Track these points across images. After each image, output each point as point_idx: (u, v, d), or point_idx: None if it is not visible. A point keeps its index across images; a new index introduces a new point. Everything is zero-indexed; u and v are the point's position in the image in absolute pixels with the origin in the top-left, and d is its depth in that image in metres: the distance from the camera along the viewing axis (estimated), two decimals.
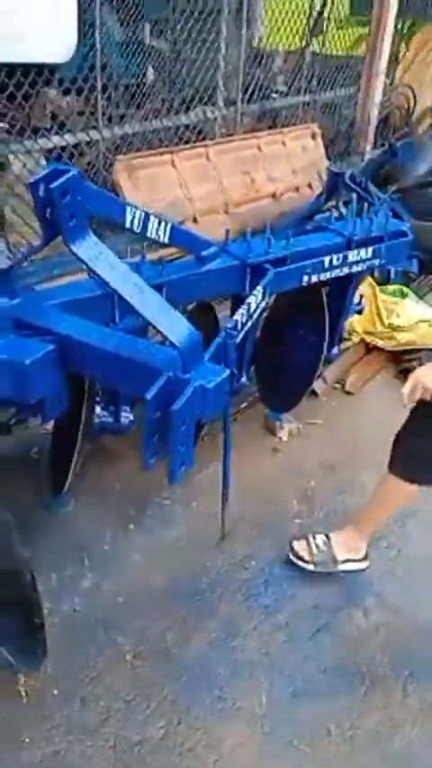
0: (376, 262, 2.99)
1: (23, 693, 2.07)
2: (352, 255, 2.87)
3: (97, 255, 1.91)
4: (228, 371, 2.01)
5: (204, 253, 2.63)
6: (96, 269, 1.90)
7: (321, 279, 2.83)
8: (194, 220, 3.95)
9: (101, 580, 2.43)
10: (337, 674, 2.19)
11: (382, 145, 5.84)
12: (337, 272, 2.87)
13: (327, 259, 2.81)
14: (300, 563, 2.49)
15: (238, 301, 2.89)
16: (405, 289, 3.96)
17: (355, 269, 2.93)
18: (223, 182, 4.15)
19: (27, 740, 1.96)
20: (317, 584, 2.48)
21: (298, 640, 2.28)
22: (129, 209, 2.17)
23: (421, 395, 1.98)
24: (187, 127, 4.51)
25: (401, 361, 3.77)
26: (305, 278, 2.79)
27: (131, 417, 2.84)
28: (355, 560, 2.51)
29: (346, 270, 2.90)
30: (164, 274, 2.50)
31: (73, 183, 1.81)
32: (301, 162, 4.71)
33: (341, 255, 2.85)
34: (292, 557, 2.51)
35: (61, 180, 1.77)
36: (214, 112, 4.37)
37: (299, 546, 2.52)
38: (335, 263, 2.84)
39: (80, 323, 2.25)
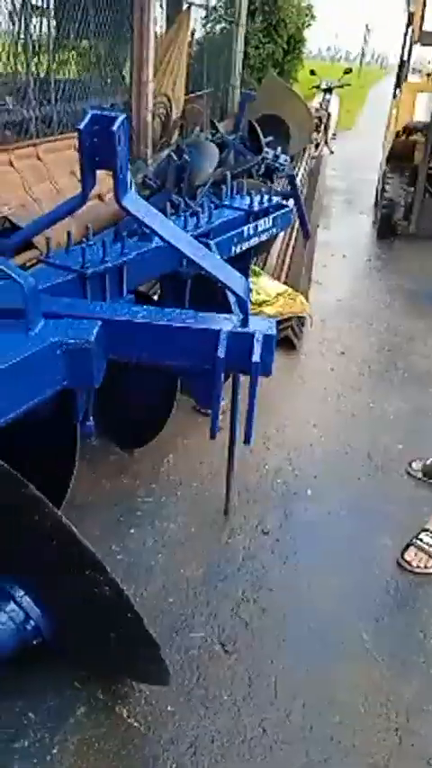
0: (275, 229, 3.20)
1: (137, 724, 1.78)
2: (261, 224, 3.04)
3: (146, 210, 1.76)
4: (273, 321, 2.01)
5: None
6: (150, 224, 1.74)
7: (242, 248, 2.94)
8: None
9: (138, 588, 2.19)
10: None
11: (160, 149, 6.12)
12: (252, 241, 3.00)
13: (245, 228, 2.93)
14: (423, 571, 2.37)
15: (166, 283, 2.85)
16: (256, 268, 4.23)
17: (263, 237, 3.09)
18: (58, 182, 3.95)
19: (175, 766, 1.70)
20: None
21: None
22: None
23: None
24: None
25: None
26: (233, 248, 2.87)
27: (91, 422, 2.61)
28: None
29: (256, 239, 3.05)
30: (124, 253, 2.36)
31: (125, 128, 1.63)
32: None
33: (253, 225, 2.99)
34: (407, 568, 2.38)
35: (118, 123, 1.59)
36: None
37: (411, 555, 2.41)
38: (251, 232, 2.97)
39: (109, 305, 2.03)
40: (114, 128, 1.57)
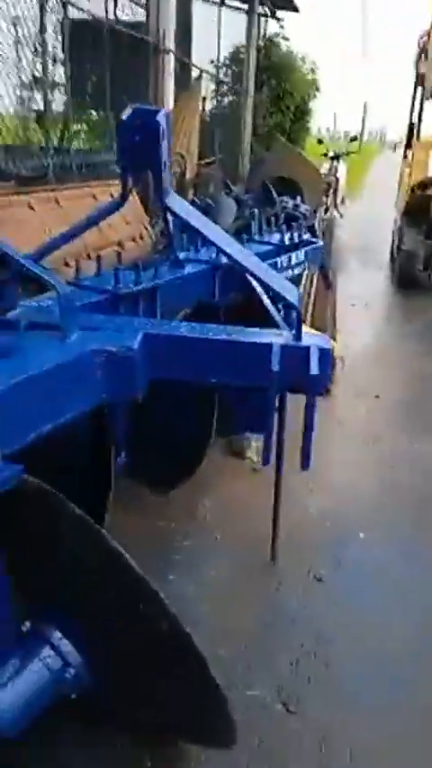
0: (306, 263, 3.10)
1: None
2: (294, 257, 2.94)
3: (191, 211, 1.64)
4: (327, 336, 1.86)
5: (182, 255, 2.44)
6: (195, 224, 1.62)
7: None
8: (66, 265, 3.62)
9: None
10: None
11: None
12: (286, 273, 2.89)
13: (279, 260, 2.83)
14: None
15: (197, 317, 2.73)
16: None
17: (297, 270, 2.99)
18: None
19: None
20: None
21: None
22: None
23: None
24: None
25: None
26: None
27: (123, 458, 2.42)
28: None
29: (290, 272, 2.94)
30: (157, 276, 2.24)
31: (168, 123, 1.53)
32: (129, 213, 4.69)
33: (286, 257, 2.90)
34: None
35: (162, 115, 1.49)
36: None
37: None
38: (284, 263, 2.87)
39: (149, 320, 1.89)
40: (159, 117, 1.47)
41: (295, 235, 3.11)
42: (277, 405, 2.03)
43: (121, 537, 2.28)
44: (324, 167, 11.12)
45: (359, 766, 1.61)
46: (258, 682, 1.81)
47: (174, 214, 1.60)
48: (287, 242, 2.99)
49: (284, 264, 2.86)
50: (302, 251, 3.03)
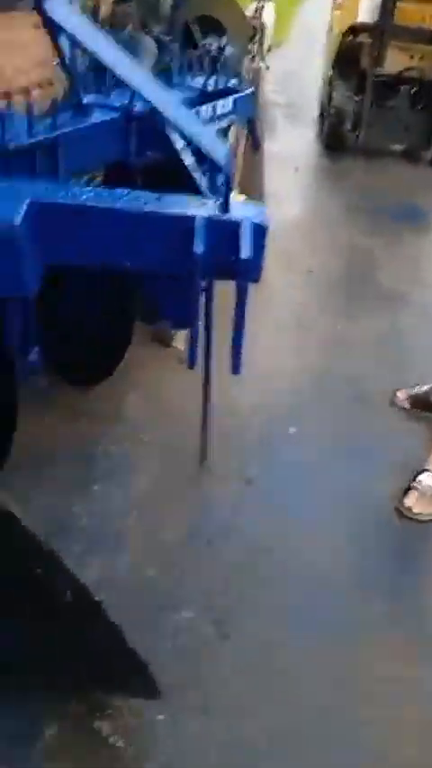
0: (235, 115, 2.66)
1: (121, 743, 1.35)
2: (219, 106, 2.49)
3: (81, 24, 1.20)
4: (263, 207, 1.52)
5: (86, 100, 1.95)
6: (88, 42, 1.19)
7: None
8: None
9: (109, 560, 1.72)
10: None
11: None
12: (210, 126, 2.45)
13: (202, 109, 2.37)
14: (427, 518, 2.02)
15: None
16: None
17: (223, 123, 2.55)
18: None
19: None
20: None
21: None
22: None
23: None
24: None
25: None
26: None
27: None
28: None
29: (215, 124, 2.49)
30: (57, 126, 1.76)
31: None
32: (41, 53, 3.89)
33: (210, 106, 2.44)
34: (409, 515, 2.02)
35: None
36: None
37: (412, 501, 2.04)
38: (209, 113, 2.42)
39: (41, 185, 1.45)
40: None
41: (221, 80, 2.62)
42: (204, 294, 1.72)
43: (42, 444, 2.03)
44: (250, 9, 10.00)
45: (293, 687, 1.50)
46: (189, 601, 1.64)
47: (58, 27, 1.15)
48: (212, 88, 2.51)
49: (208, 115, 2.40)
50: (230, 99, 2.56)
